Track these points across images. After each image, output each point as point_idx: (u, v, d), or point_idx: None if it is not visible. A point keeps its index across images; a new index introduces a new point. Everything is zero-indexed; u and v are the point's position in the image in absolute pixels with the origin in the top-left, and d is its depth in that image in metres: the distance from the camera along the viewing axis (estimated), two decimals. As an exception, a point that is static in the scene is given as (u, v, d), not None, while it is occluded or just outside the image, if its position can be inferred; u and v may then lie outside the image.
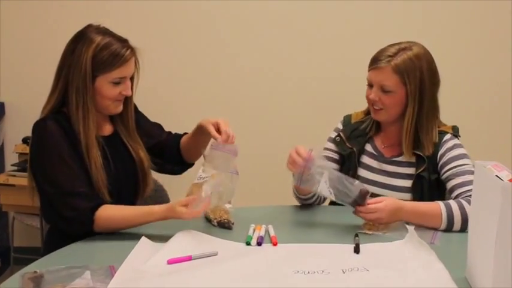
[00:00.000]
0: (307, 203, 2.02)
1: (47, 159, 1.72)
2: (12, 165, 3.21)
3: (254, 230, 1.69)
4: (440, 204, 1.76)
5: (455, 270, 1.38)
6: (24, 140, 3.20)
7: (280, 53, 3.34)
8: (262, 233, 1.67)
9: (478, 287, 1.30)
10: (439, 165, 1.92)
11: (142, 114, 2.05)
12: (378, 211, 1.70)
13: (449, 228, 1.74)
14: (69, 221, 1.69)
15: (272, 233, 1.67)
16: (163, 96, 3.35)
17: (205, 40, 3.34)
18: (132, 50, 1.79)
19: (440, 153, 1.93)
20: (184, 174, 2.09)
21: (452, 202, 1.77)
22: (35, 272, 1.39)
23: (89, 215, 1.67)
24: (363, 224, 1.75)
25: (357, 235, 1.65)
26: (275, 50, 3.34)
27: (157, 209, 1.67)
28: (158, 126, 2.08)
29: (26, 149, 3.17)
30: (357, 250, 1.54)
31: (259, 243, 1.61)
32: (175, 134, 2.09)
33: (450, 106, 3.28)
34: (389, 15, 3.27)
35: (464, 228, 1.73)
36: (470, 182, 1.80)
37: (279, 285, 1.35)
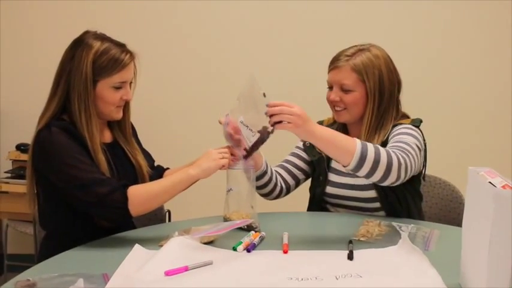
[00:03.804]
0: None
1: (61, 162, 1.70)
2: (6, 172, 3.21)
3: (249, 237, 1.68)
4: (356, 139, 1.70)
5: (448, 276, 1.38)
6: (18, 147, 3.20)
7: (278, 54, 3.36)
8: (256, 240, 1.66)
9: (471, 294, 1.30)
10: None
11: (138, 140, 2.06)
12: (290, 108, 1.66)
13: (359, 166, 1.66)
14: (101, 205, 1.67)
15: (285, 240, 1.66)
16: (156, 100, 3.35)
17: (200, 43, 3.35)
18: (131, 55, 1.81)
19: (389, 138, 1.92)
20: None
21: (369, 143, 1.70)
22: (28, 280, 1.39)
23: (122, 192, 1.66)
24: (357, 231, 1.75)
25: (351, 242, 1.65)
26: (273, 51, 3.36)
27: (191, 170, 1.71)
28: (148, 155, 2.07)
29: (20, 156, 3.17)
30: (350, 257, 1.54)
31: (248, 250, 1.60)
32: (159, 166, 2.09)
33: (449, 107, 3.31)
34: (388, 15, 3.28)
35: (373, 171, 1.66)
36: (399, 147, 1.77)
37: (272, 292, 1.35)
